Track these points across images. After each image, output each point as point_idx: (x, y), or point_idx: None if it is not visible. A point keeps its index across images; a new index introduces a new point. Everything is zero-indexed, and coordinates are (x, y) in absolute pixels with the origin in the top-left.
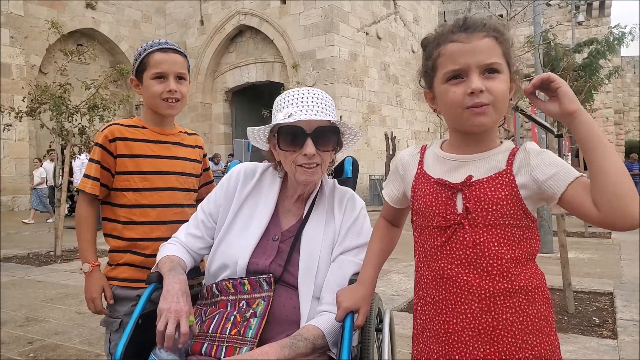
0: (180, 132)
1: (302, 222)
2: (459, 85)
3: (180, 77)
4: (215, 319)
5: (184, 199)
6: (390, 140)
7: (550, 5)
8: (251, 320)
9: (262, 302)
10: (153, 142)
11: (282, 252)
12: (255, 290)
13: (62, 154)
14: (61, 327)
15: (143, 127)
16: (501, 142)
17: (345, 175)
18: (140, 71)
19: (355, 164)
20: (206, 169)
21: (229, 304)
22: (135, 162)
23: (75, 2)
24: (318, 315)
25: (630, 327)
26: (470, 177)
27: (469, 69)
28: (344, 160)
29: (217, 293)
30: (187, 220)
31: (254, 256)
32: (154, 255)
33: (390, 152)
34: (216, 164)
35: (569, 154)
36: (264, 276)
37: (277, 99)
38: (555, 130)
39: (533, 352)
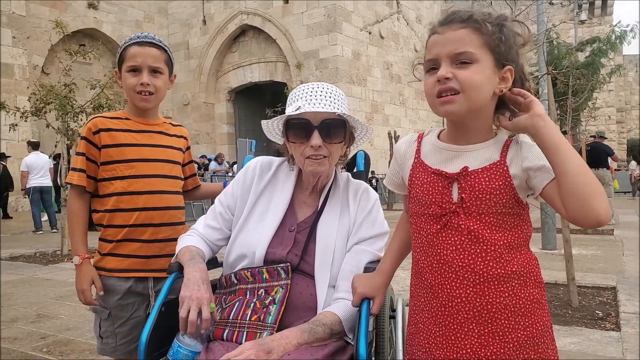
0: (165, 122)
1: (318, 214)
2: (433, 74)
3: (155, 71)
4: (236, 306)
5: (170, 186)
6: (393, 140)
7: (553, 4)
8: (270, 307)
9: (280, 289)
10: (136, 132)
11: (299, 243)
12: (274, 278)
13: (68, 153)
14: (72, 323)
15: (126, 119)
16: (496, 134)
17: (357, 168)
18: (120, 64)
19: (367, 158)
20: (190, 162)
21: (248, 292)
22: (119, 151)
23: (78, 2)
24: (334, 303)
25: (633, 320)
26: (466, 168)
27: (440, 58)
28: (356, 154)
29: (235, 282)
30: (173, 207)
31: (271, 246)
32: (140, 241)
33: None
34: (220, 163)
35: None
36: (281, 265)
37: (290, 93)
38: None
39: (525, 333)
